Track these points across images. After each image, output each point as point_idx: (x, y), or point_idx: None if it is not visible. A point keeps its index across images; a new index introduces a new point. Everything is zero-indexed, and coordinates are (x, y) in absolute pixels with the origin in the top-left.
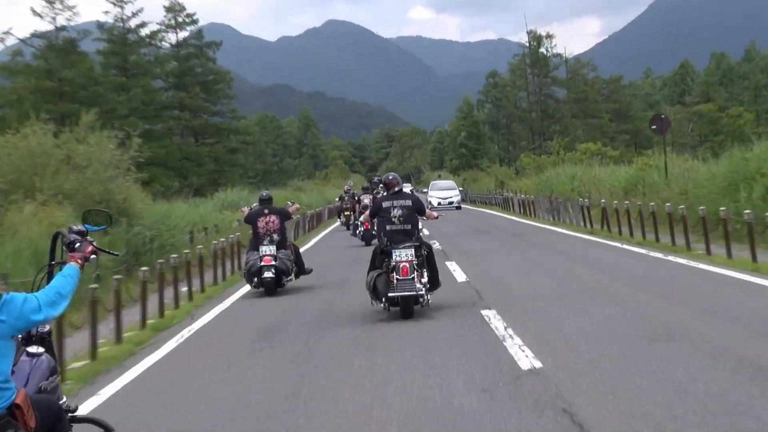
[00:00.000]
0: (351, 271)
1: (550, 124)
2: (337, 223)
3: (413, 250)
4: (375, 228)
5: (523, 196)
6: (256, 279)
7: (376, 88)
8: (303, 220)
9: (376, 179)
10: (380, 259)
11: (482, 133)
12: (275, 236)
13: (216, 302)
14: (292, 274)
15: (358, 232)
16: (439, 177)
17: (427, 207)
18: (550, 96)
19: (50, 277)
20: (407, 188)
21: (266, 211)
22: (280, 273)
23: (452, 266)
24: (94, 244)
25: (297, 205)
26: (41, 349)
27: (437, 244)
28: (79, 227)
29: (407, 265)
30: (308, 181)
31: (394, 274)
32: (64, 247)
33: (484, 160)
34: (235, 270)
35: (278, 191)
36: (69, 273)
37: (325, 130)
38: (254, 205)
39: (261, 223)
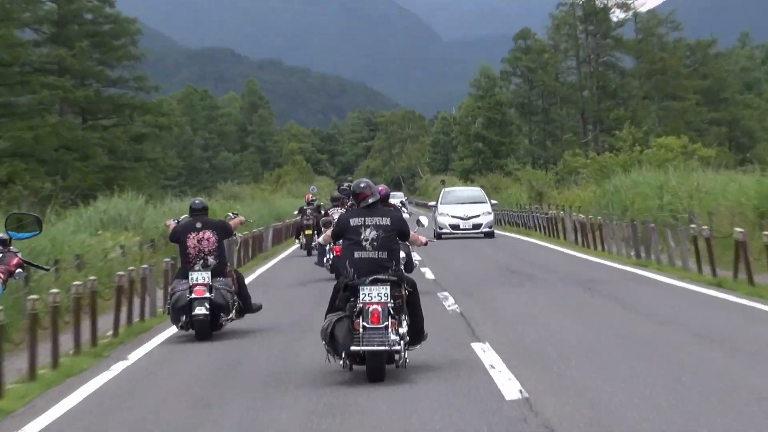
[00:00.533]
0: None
1: (610, 108)
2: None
3: (389, 287)
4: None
5: (580, 216)
6: (184, 317)
7: (354, 57)
8: (245, 240)
9: (346, 185)
10: (343, 298)
11: (508, 120)
12: (210, 259)
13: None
14: (233, 311)
15: (325, 260)
16: (443, 183)
17: (435, 230)
18: (612, 66)
19: None
20: (396, 200)
21: (199, 225)
22: (217, 309)
23: (486, 354)
24: (19, 255)
25: (241, 218)
26: None
27: (452, 302)
28: (1, 235)
29: (379, 308)
30: (252, 186)
31: (361, 319)
32: None
33: (511, 160)
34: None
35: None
36: None
37: (280, 114)
38: (183, 217)
39: (192, 240)
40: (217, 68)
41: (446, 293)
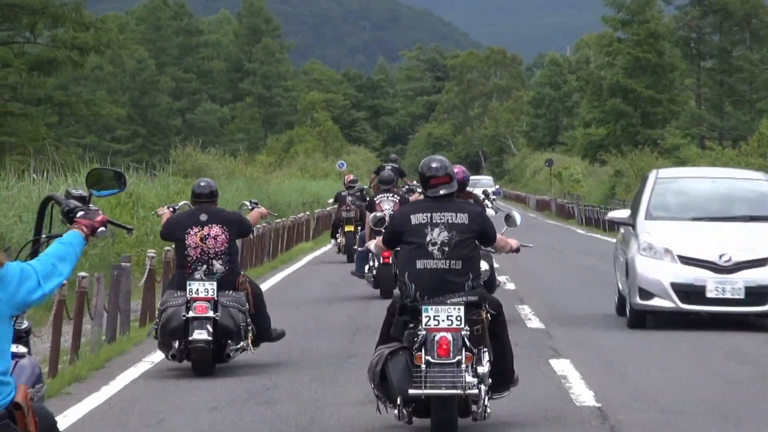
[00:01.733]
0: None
1: None
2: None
3: (463, 309)
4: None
5: None
6: (177, 343)
7: None
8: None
9: (391, 161)
10: (399, 325)
11: (667, 63)
12: (218, 265)
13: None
14: (247, 339)
15: (367, 268)
16: (549, 164)
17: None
18: None
19: (35, 255)
20: (477, 188)
21: (204, 217)
22: (224, 334)
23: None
24: (102, 213)
25: (263, 209)
26: (24, 349)
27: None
28: (80, 191)
29: (449, 336)
30: (243, 156)
31: (423, 352)
32: (61, 217)
33: (670, 129)
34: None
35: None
36: (72, 241)
37: (301, 52)
38: (181, 203)
39: (193, 238)
40: None
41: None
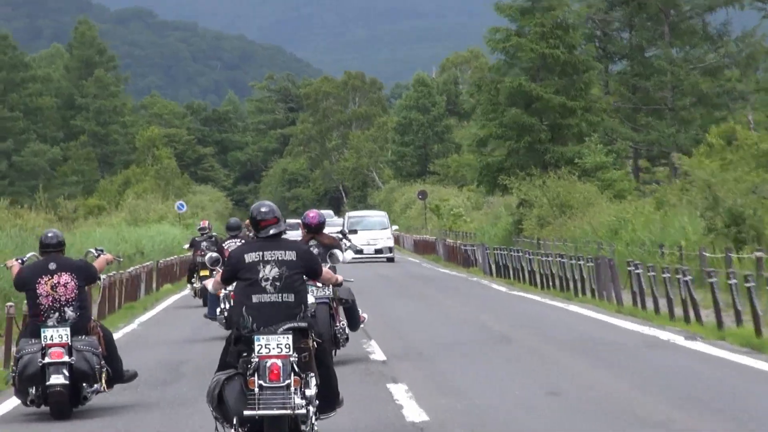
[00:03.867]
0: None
1: None
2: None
3: (292, 338)
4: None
5: None
6: (35, 389)
7: (263, 10)
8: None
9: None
10: (235, 353)
11: (578, 59)
12: (69, 311)
13: None
14: (101, 381)
15: (218, 311)
16: (422, 197)
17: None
18: None
19: None
20: (332, 227)
21: (53, 266)
22: (80, 378)
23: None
24: None
25: (108, 256)
26: None
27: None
28: None
29: (279, 362)
30: (77, 200)
31: (257, 377)
32: None
33: (590, 142)
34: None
35: None
36: None
37: (148, 91)
38: (29, 255)
39: (44, 287)
40: (47, 16)
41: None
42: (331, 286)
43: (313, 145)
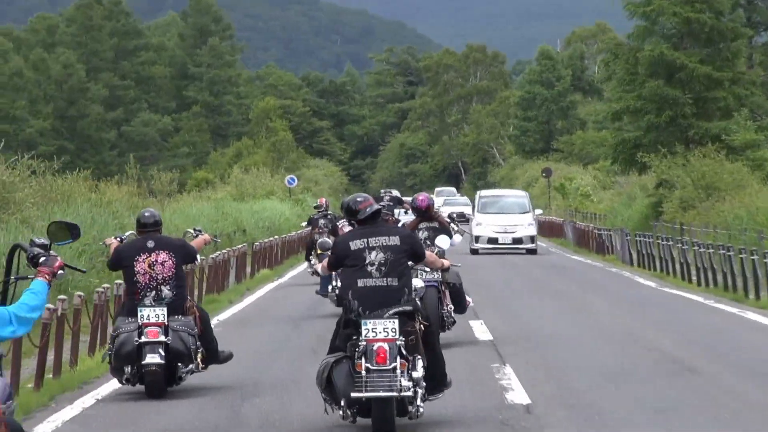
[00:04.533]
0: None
1: None
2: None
3: (398, 321)
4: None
5: None
6: (129, 368)
7: None
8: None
9: (386, 197)
10: (343, 336)
11: (726, 27)
12: (166, 290)
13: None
14: (197, 360)
15: (330, 288)
16: (546, 175)
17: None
18: None
19: (5, 294)
20: (454, 206)
21: (151, 244)
22: (176, 357)
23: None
24: (60, 259)
25: (206, 236)
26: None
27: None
28: (43, 240)
29: (386, 345)
30: (175, 173)
31: (364, 360)
32: (27, 262)
33: (739, 118)
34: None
35: None
36: (38, 289)
37: (266, 62)
38: (128, 233)
39: (142, 265)
40: None
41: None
42: (438, 270)
43: (432, 120)
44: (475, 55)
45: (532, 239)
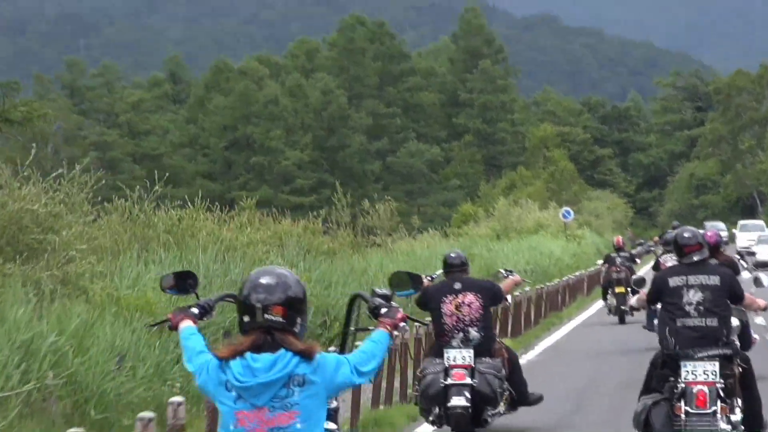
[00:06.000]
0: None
1: None
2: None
3: (718, 365)
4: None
5: None
6: (437, 409)
7: (668, 18)
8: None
9: (672, 231)
10: (661, 377)
11: None
12: (473, 332)
13: None
14: (502, 403)
15: (656, 322)
16: None
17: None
18: None
19: (344, 344)
20: (760, 246)
21: (458, 285)
22: (482, 400)
23: None
24: (401, 311)
25: (516, 277)
26: (333, 426)
27: None
28: (384, 291)
29: (706, 389)
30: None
31: (683, 403)
32: (367, 312)
33: None
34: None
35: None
36: (380, 339)
37: (528, 83)
38: (437, 273)
39: (449, 306)
40: (446, 19)
41: None
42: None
43: (723, 147)
44: None
45: None
